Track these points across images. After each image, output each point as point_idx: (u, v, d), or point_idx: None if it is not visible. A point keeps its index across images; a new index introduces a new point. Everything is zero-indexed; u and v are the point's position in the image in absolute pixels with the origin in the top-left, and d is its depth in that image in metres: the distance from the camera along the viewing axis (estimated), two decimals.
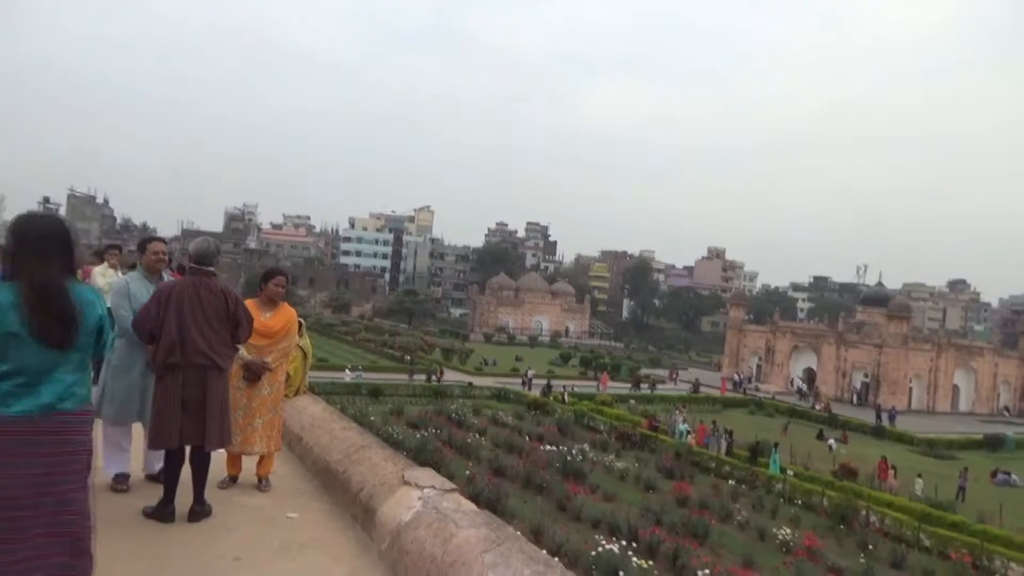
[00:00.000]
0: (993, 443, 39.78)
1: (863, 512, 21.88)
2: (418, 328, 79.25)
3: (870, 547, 19.13)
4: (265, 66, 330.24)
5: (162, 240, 5.16)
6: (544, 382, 44.03)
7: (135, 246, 5.58)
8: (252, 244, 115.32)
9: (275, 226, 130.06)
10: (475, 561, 2.37)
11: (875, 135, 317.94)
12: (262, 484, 4.74)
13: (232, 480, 4.77)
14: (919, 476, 26.53)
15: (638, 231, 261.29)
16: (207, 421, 4.03)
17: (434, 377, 42.40)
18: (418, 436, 24.05)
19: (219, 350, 4.13)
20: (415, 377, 42.26)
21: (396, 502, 3.29)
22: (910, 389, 53.62)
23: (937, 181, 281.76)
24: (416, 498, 3.18)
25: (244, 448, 4.69)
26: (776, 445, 27.26)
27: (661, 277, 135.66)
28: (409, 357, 50.66)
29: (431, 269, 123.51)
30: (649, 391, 45.98)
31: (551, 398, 38.16)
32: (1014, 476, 30.37)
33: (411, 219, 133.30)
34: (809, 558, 17.48)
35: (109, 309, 2.83)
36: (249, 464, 4.85)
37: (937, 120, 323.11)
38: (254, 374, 4.75)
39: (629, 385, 47.64)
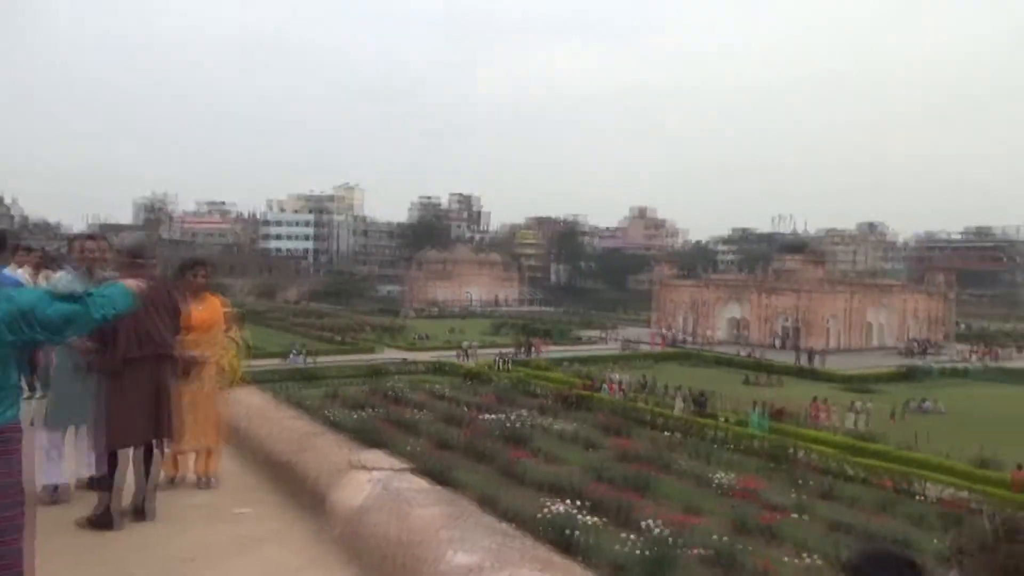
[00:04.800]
0: (915, 375, 42.09)
1: (793, 450, 22.98)
2: (352, 308, 78.28)
3: (802, 482, 20.15)
4: (162, 44, 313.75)
5: (93, 237, 4.90)
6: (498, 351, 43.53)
7: (67, 245, 5.29)
8: (169, 234, 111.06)
9: (192, 214, 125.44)
10: (436, 538, 2.41)
11: (795, 87, 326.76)
12: (207, 482, 4.66)
13: (177, 481, 4.68)
14: (851, 410, 27.92)
15: (566, 196, 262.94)
16: (171, 414, 4.00)
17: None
18: (356, 417, 23.93)
19: (171, 341, 4.14)
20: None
21: (349, 486, 3.29)
22: (829, 330, 56.15)
23: (847, 128, 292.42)
24: (369, 481, 3.20)
25: (184, 446, 4.60)
26: (755, 404, 27.93)
27: (593, 240, 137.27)
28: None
29: (359, 247, 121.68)
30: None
31: (496, 367, 38.42)
32: (930, 403, 32.29)
33: (334, 198, 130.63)
34: (746, 498, 18.30)
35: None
36: (193, 463, 4.76)
37: (852, 72, 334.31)
38: (187, 369, 4.64)
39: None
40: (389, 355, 44.03)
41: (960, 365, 47.14)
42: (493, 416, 25.62)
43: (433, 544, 2.38)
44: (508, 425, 24.12)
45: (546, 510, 15.39)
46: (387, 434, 21.47)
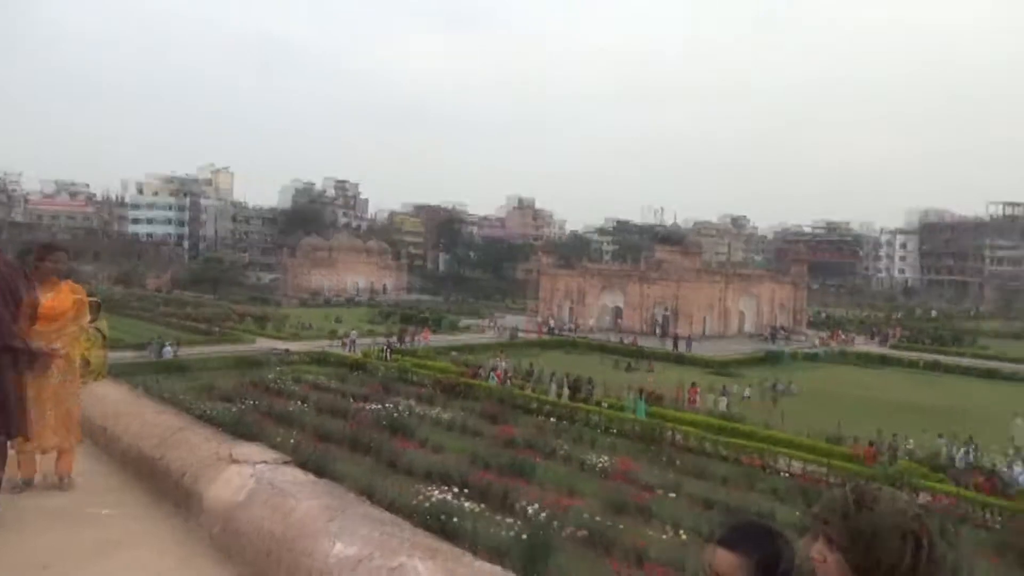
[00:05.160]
0: (773, 359, 45.11)
1: (669, 432, 24.02)
2: (225, 297, 74.81)
3: (676, 462, 21.11)
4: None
5: None
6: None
7: None
8: (18, 217, 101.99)
9: (45, 195, 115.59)
10: (320, 532, 2.31)
11: (666, 87, 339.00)
12: (63, 482, 4.29)
13: (26, 484, 4.28)
14: (722, 394, 29.42)
15: (445, 184, 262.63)
16: (15, 410, 3.66)
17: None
18: (234, 410, 22.95)
19: (11, 331, 3.76)
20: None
21: (225, 482, 3.11)
22: (703, 318, 58.98)
23: (711, 122, 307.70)
24: (248, 475, 3.03)
25: (38, 444, 4.22)
26: (640, 391, 28.67)
27: (474, 229, 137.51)
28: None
29: (234, 234, 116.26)
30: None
31: (374, 356, 37.84)
32: (783, 386, 34.57)
33: (208, 182, 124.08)
34: (625, 480, 18.98)
35: None
36: (45, 464, 4.37)
37: (694, 70, 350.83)
38: (42, 363, 4.24)
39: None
40: (267, 345, 42.46)
41: (812, 350, 50.81)
42: (377, 406, 25.26)
43: (315, 537, 2.28)
44: (392, 415, 23.86)
45: (426, 498, 15.37)
46: (265, 427, 20.72)
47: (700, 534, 15.30)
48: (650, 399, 28.85)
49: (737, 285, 63.05)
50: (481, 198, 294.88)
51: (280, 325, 52.16)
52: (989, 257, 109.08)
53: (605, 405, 27.91)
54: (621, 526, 15.43)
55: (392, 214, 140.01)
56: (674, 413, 26.82)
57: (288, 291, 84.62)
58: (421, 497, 15.42)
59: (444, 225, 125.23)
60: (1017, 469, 20.74)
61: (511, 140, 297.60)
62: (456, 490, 16.53)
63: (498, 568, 2.08)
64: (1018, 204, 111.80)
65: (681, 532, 15.50)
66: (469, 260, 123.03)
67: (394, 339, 44.22)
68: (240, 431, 18.43)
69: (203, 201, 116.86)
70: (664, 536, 15.36)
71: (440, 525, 13.02)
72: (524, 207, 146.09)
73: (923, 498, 18.16)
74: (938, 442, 23.81)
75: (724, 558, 1.72)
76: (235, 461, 3.23)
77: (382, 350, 39.27)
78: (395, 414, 23.97)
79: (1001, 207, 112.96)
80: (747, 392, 32.09)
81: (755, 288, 64.67)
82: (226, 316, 55.60)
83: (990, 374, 41.91)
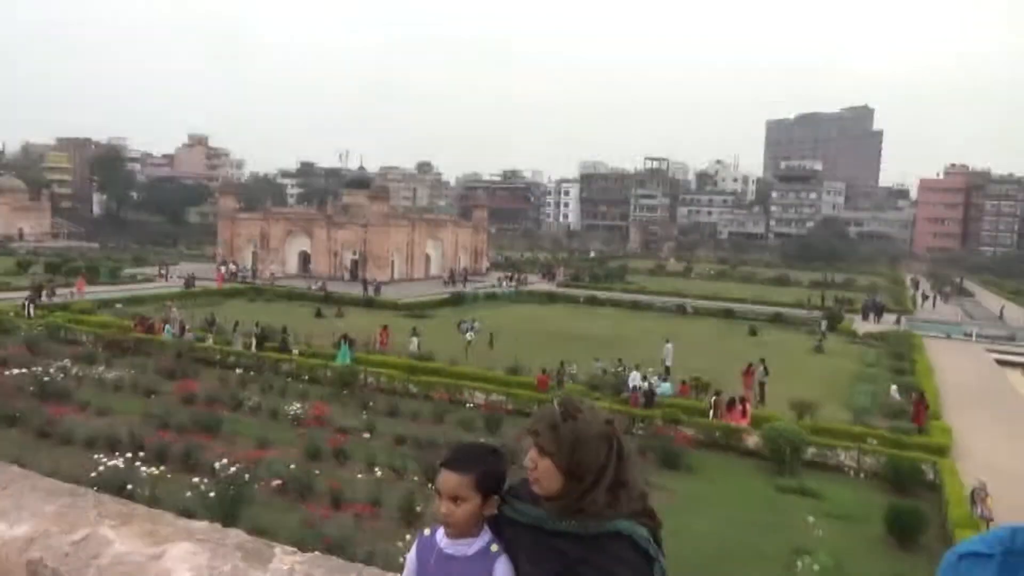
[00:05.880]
0: (460, 300, 47.59)
1: (362, 375, 24.25)
2: None
3: (370, 404, 21.45)
4: None
5: None
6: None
7: None
8: None
9: None
10: None
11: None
12: None
13: None
14: (413, 335, 30.21)
15: (106, 115, 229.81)
16: None
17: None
18: None
19: None
20: None
21: None
22: (392, 262, 59.98)
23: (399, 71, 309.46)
24: None
25: None
26: (344, 337, 27.69)
27: (138, 167, 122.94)
28: None
29: None
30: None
31: (13, 313, 32.24)
32: (476, 323, 36.85)
33: None
34: (319, 425, 18.84)
35: None
36: None
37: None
38: None
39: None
40: None
41: (493, 289, 54.73)
42: (24, 370, 21.72)
43: None
44: (42, 379, 20.71)
45: (94, 468, 13.76)
46: None
47: (394, 470, 15.86)
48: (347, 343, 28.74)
49: (424, 229, 65.02)
50: (153, 133, 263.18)
51: None
52: (635, 204, 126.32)
53: (296, 352, 27.22)
54: (317, 471, 15.36)
55: (28, 146, 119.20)
56: (368, 357, 27.08)
57: None
58: (88, 466, 13.76)
59: (100, 162, 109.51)
60: (661, 383, 24.72)
61: (192, 74, 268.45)
62: (129, 455, 15.01)
63: (204, 523, 1.90)
64: (662, 159, 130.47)
65: (376, 470, 15.88)
66: (133, 202, 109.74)
67: (38, 292, 37.99)
68: None
69: None
70: (360, 476, 15.61)
71: (121, 495, 11.74)
72: (197, 144, 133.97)
73: None
74: (595, 365, 27.28)
75: (449, 479, 1.82)
76: None
77: (23, 305, 33.62)
78: (46, 378, 20.84)
79: (648, 162, 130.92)
80: (473, 331, 32.77)
81: (441, 232, 67.30)
82: None
83: (636, 305, 48.92)
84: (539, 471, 1.72)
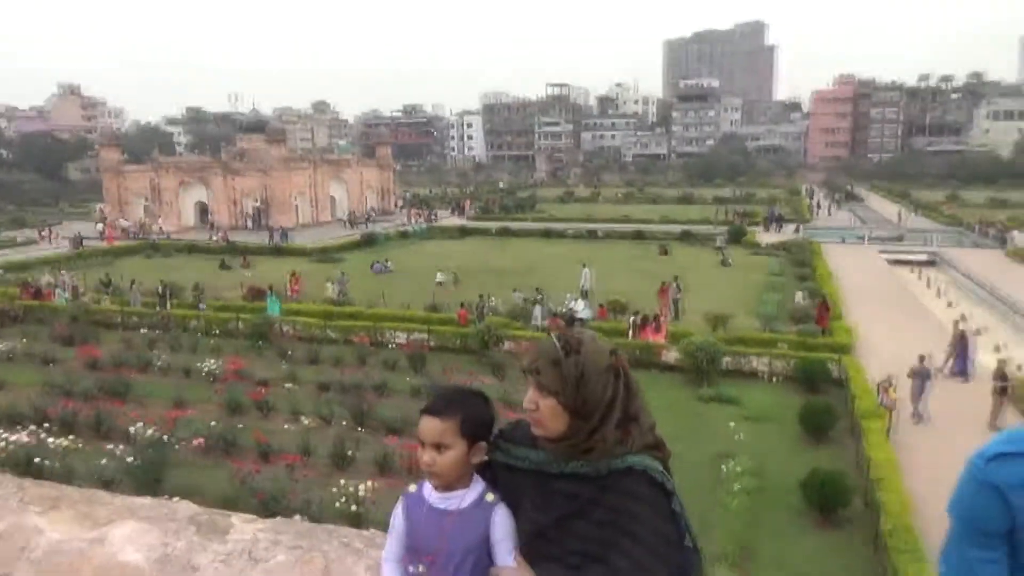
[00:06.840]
0: (368, 241, 46.60)
1: (278, 325, 23.53)
2: None
3: (289, 353, 20.89)
4: None
5: None
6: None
7: None
8: None
9: None
10: None
11: None
12: None
13: None
14: (328, 282, 29.41)
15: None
16: None
17: None
18: None
19: None
20: None
21: None
22: (296, 207, 57.87)
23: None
24: None
25: None
26: (271, 288, 26.62)
27: (3, 123, 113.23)
28: None
29: None
30: None
31: None
32: (390, 263, 36.27)
33: None
34: (237, 380, 18.23)
35: None
36: None
37: None
38: None
39: None
40: None
41: (403, 228, 53.81)
42: None
43: None
44: None
45: (2, 443, 12.93)
46: None
47: (321, 417, 15.57)
48: (252, 294, 27.76)
49: (327, 171, 62.83)
50: (17, 84, 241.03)
51: None
52: (540, 133, 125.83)
53: (203, 307, 26.11)
54: (240, 425, 14.92)
55: None
56: (285, 305, 26.26)
57: None
58: None
59: None
60: (579, 305, 25.15)
61: (60, 20, 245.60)
62: (33, 427, 14.15)
63: (148, 498, 1.66)
64: (564, 85, 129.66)
65: (303, 419, 15.57)
66: (3, 160, 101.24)
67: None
68: None
69: None
70: (286, 426, 15.29)
71: (29, 471, 11.06)
72: (69, 94, 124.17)
73: (509, 346, 20.89)
74: (514, 296, 27.38)
75: (431, 424, 1.67)
76: None
77: None
78: None
79: (551, 88, 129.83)
80: (387, 270, 31.95)
81: (344, 173, 65.21)
82: None
83: (548, 234, 49.19)
84: (541, 412, 1.58)
